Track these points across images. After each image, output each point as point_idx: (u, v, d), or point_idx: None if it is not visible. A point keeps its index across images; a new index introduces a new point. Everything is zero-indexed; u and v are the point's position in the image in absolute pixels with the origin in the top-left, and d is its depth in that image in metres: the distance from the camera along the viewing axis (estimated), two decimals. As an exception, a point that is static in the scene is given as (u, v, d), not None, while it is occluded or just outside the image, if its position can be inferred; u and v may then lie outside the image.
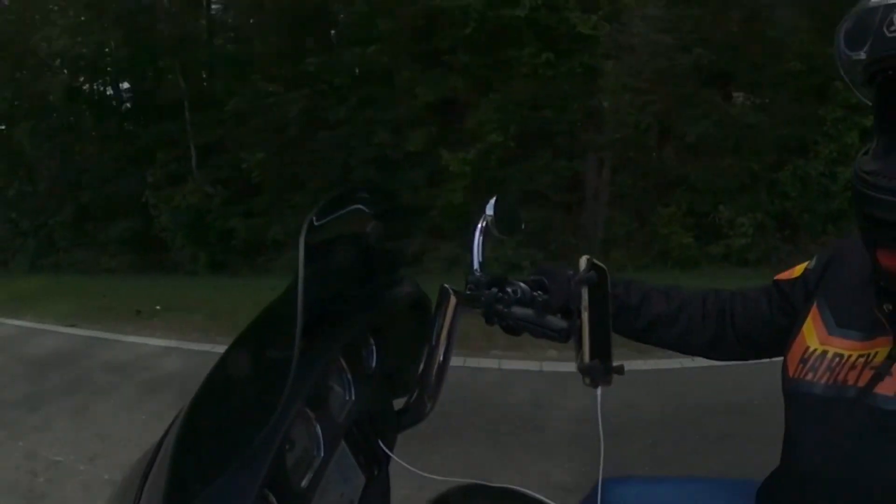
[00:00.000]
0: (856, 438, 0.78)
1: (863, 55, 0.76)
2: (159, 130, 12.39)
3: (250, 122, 11.04)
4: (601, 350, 0.90)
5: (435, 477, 0.96)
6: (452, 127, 10.07)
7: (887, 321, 0.79)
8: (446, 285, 1.08)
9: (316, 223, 0.76)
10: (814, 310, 0.91)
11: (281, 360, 0.67)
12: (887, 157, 0.73)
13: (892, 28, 0.69)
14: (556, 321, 1.01)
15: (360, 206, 0.91)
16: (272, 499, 0.68)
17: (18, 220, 14.67)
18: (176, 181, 12.01)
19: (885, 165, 0.73)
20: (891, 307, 0.79)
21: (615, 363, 0.91)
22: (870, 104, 0.79)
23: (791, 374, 0.89)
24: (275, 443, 0.67)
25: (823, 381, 0.84)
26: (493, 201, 1.11)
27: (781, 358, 0.98)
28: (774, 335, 1.00)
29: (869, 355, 0.80)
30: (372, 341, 1.01)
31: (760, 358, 1.07)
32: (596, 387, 0.90)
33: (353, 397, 0.92)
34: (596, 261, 0.99)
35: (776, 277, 1.04)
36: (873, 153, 0.76)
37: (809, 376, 0.85)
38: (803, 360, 0.88)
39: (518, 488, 0.97)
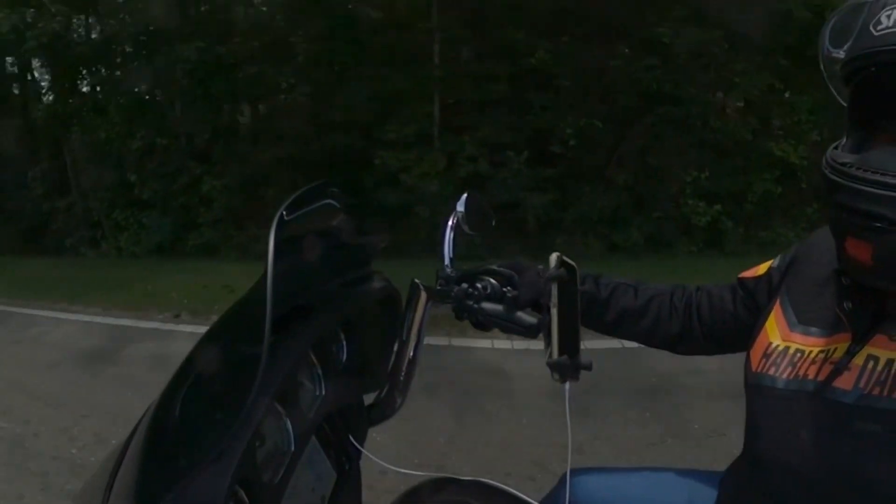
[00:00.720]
0: (815, 430, 0.80)
1: (842, 53, 0.78)
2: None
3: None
4: (570, 346, 0.91)
5: (406, 471, 0.96)
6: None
7: (847, 319, 0.81)
8: (417, 280, 1.08)
9: (286, 217, 0.76)
10: (777, 307, 0.94)
11: (250, 356, 0.66)
12: (861, 150, 0.75)
13: (880, 27, 0.71)
14: (526, 317, 1.02)
15: (330, 201, 0.90)
16: (243, 495, 0.67)
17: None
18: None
19: (860, 158, 0.73)
20: (851, 305, 0.81)
21: (583, 359, 0.93)
22: (844, 103, 0.80)
23: (754, 368, 0.91)
24: (245, 438, 0.66)
25: (785, 375, 0.86)
26: (464, 198, 1.12)
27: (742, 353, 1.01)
28: (738, 331, 1.02)
29: (828, 351, 0.82)
30: (342, 336, 1.01)
31: (724, 353, 1.10)
32: (564, 382, 0.91)
33: (324, 392, 0.92)
34: (566, 258, 1.00)
35: (741, 275, 1.07)
36: (844, 147, 0.77)
37: (772, 371, 0.88)
38: (766, 355, 0.90)
39: (487, 481, 0.98)
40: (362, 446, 0.99)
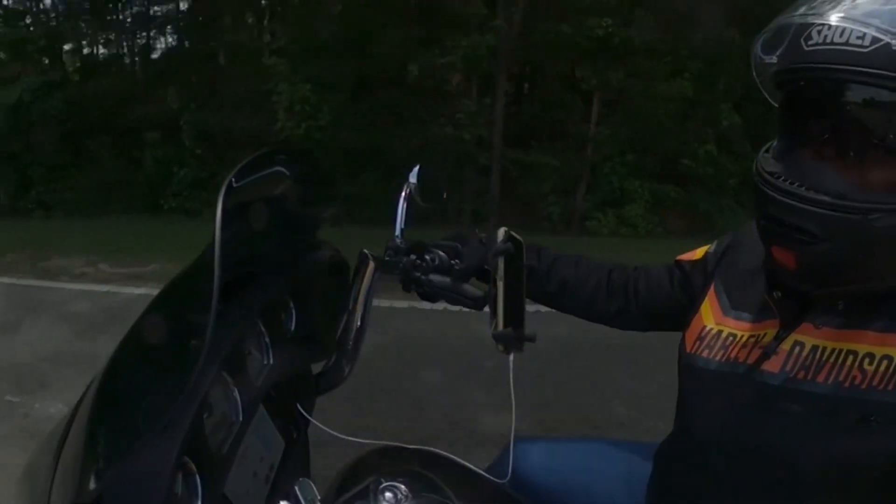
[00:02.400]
0: (744, 409, 0.84)
1: (775, 59, 0.80)
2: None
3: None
4: (514, 319, 0.93)
5: (354, 440, 0.97)
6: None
7: (775, 307, 0.85)
8: (366, 251, 1.08)
9: (235, 185, 0.74)
10: (711, 291, 0.98)
11: (197, 324, 0.65)
12: (787, 159, 0.77)
13: (811, 42, 0.71)
14: (472, 290, 1.04)
15: (279, 169, 0.89)
16: (191, 465, 0.67)
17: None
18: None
19: (785, 168, 0.76)
20: (779, 294, 0.85)
21: (527, 332, 0.95)
22: (775, 104, 0.83)
23: (689, 349, 0.95)
24: (192, 408, 0.66)
25: (718, 357, 0.90)
26: (416, 169, 1.12)
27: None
28: (674, 310, 1.07)
29: (758, 336, 0.87)
30: (291, 304, 1.00)
31: (658, 329, 1.15)
32: (508, 353, 0.93)
33: (272, 361, 0.91)
34: (513, 233, 1.02)
35: (678, 258, 1.11)
36: (774, 153, 0.80)
37: (705, 353, 0.92)
38: (700, 338, 0.94)
39: (433, 449, 0.99)
40: (311, 415, 0.99)
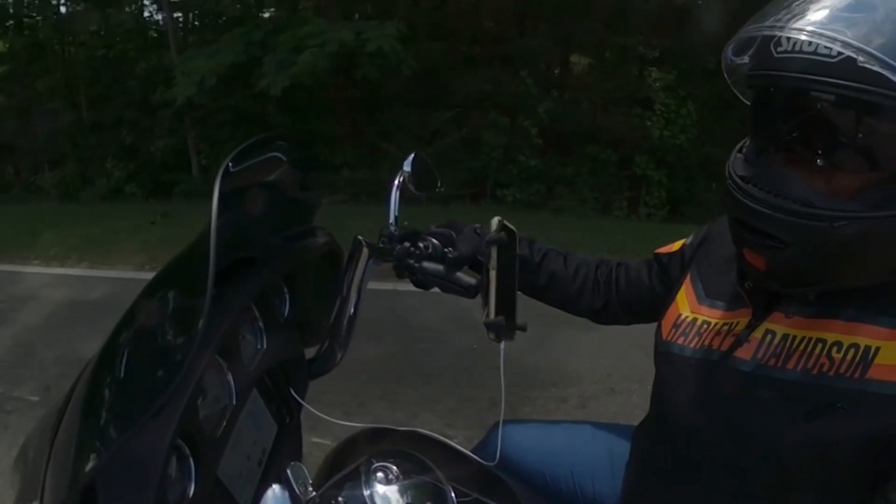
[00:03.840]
0: (718, 395, 0.86)
1: (746, 59, 0.81)
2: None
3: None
4: (506, 307, 0.94)
5: (345, 423, 0.98)
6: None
7: (747, 297, 0.87)
8: (360, 237, 1.08)
9: (232, 169, 0.74)
10: (687, 281, 1.00)
11: (192, 308, 0.65)
12: (758, 161, 0.78)
13: (780, 49, 0.72)
14: (465, 278, 1.05)
15: (276, 154, 0.89)
16: (185, 449, 0.67)
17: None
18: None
19: (757, 172, 0.77)
20: (751, 285, 0.87)
21: (518, 321, 0.96)
22: (747, 102, 0.83)
23: (665, 336, 0.97)
24: (186, 392, 0.66)
25: (692, 344, 0.92)
26: (411, 158, 1.12)
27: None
28: (653, 303, 1.09)
29: (732, 324, 0.89)
30: (285, 290, 1.00)
31: (639, 322, 1.18)
32: (500, 341, 0.94)
33: (265, 346, 0.92)
34: (507, 223, 1.02)
35: (657, 251, 1.14)
36: (746, 154, 0.81)
37: (681, 340, 0.94)
38: (676, 325, 0.96)
39: (422, 431, 1.00)
40: (303, 399, 1.00)
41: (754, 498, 0.84)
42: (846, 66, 0.67)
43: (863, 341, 0.77)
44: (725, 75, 0.86)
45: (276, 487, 0.77)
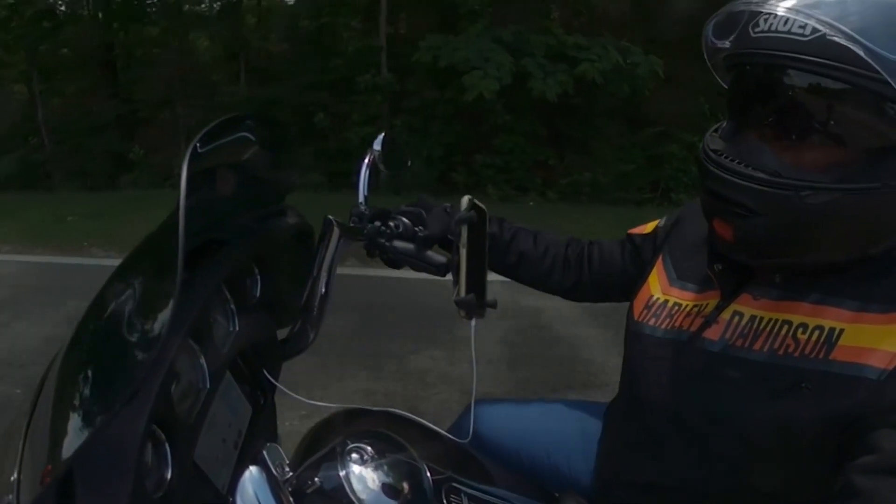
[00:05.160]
0: (686, 374, 0.89)
1: (727, 44, 0.84)
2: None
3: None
4: (476, 285, 0.95)
5: (319, 403, 0.98)
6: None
7: (716, 279, 0.90)
8: (330, 216, 1.07)
9: (200, 150, 0.72)
10: (659, 262, 1.03)
11: (163, 292, 0.64)
12: (732, 140, 0.81)
13: (757, 29, 0.76)
14: (436, 256, 1.05)
15: (245, 134, 0.87)
16: (160, 434, 0.66)
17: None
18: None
19: (729, 146, 0.80)
20: (720, 267, 0.90)
21: (488, 298, 0.97)
22: (726, 87, 0.86)
23: (636, 317, 1.00)
24: (159, 377, 0.65)
25: (663, 325, 0.95)
26: (381, 137, 1.12)
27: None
28: (624, 282, 1.12)
29: (701, 305, 0.91)
30: (256, 271, 0.99)
31: (610, 301, 1.21)
32: (470, 319, 0.95)
33: (237, 328, 0.91)
34: (477, 202, 1.03)
35: (630, 231, 1.16)
36: (722, 133, 0.84)
37: (652, 321, 0.97)
38: (647, 307, 0.99)
39: (397, 411, 1.01)
40: (277, 380, 1.00)
41: (719, 473, 0.87)
42: (818, 44, 0.70)
43: (827, 323, 0.79)
44: (706, 57, 0.88)
45: (252, 469, 0.77)
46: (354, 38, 10.09)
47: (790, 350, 0.80)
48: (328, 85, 9.96)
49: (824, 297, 0.81)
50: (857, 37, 0.68)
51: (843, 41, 0.68)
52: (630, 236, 1.15)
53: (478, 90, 7.99)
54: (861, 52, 0.68)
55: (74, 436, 0.54)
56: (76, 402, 0.57)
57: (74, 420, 0.55)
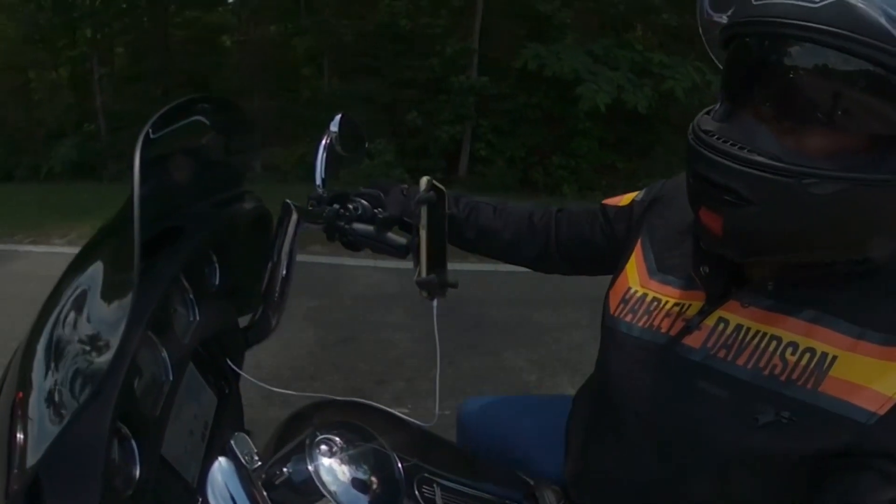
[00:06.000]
0: (661, 381, 0.83)
1: (724, 18, 0.76)
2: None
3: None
4: (437, 265, 0.95)
5: (284, 391, 0.97)
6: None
7: (702, 283, 0.82)
8: (288, 201, 1.05)
9: (152, 136, 0.70)
10: (637, 249, 0.95)
11: (120, 284, 0.62)
12: (726, 122, 0.72)
13: None
14: (396, 238, 1.05)
15: (199, 118, 0.84)
16: (126, 431, 0.65)
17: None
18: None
19: (721, 128, 0.71)
20: (707, 270, 0.81)
21: (450, 279, 0.97)
22: (721, 67, 0.77)
23: (612, 311, 0.93)
24: (121, 372, 0.63)
25: (640, 323, 0.88)
26: (338, 118, 1.10)
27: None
28: (594, 255, 1.07)
29: (683, 305, 0.84)
30: (214, 258, 0.97)
31: (579, 274, 1.16)
32: (432, 299, 0.95)
33: (198, 317, 0.89)
34: (435, 182, 1.02)
35: (604, 202, 1.08)
36: (714, 114, 0.74)
37: (629, 318, 0.90)
38: (624, 301, 0.92)
39: (364, 401, 1.01)
40: (240, 369, 0.98)
41: (688, 480, 0.82)
42: (832, 10, 0.62)
43: (820, 347, 0.72)
44: (701, 32, 0.81)
45: (221, 460, 0.76)
46: (449, 39, 10.24)
47: (776, 371, 0.73)
48: (420, 84, 10.14)
49: (820, 316, 0.73)
50: (880, 2, 0.59)
51: (863, 5, 0.60)
52: (604, 207, 1.07)
53: (591, 101, 8.61)
54: (884, 21, 0.59)
55: (38, 440, 0.52)
56: (37, 405, 0.55)
57: (36, 423, 0.53)
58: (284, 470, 0.73)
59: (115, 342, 0.58)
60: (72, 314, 0.64)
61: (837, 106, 0.64)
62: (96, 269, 0.70)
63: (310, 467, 0.72)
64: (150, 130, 0.69)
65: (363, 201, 1.07)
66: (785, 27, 0.64)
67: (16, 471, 0.50)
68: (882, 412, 0.67)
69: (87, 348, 0.62)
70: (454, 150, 10.04)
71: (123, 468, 0.64)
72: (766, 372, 0.74)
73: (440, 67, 9.99)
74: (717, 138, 0.70)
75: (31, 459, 0.50)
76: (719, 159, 0.68)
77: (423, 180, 1.03)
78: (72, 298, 0.64)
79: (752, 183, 0.66)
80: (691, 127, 0.75)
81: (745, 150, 0.67)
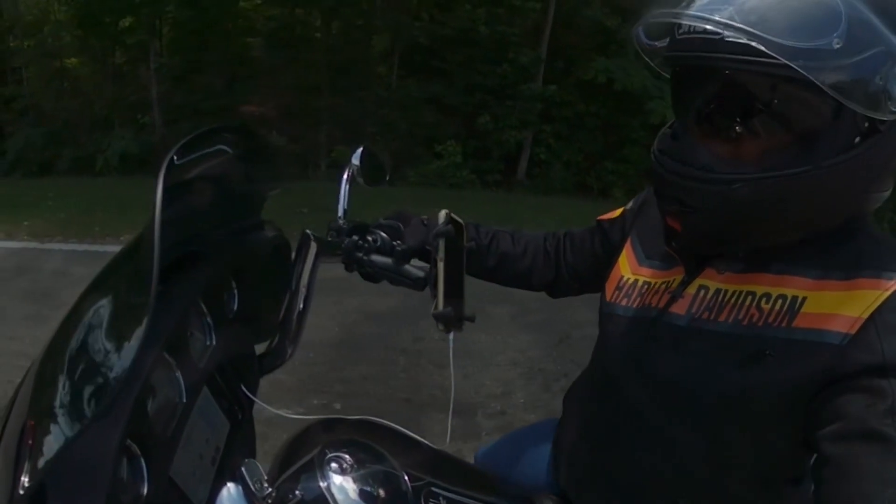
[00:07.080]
0: (654, 348, 0.90)
1: (658, 45, 0.85)
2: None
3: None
4: (454, 299, 0.95)
5: (297, 416, 0.97)
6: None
7: (679, 257, 0.92)
8: (308, 231, 1.07)
9: (176, 162, 0.72)
10: (628, 244, 1.05)
11: (138, 306, 0.63)
12: (678, 140, 0.83)
13: (680, 31, 0.78)
14: (414, 271, 1.05)
15: (222, 147, 0.86)
16: (136, 449, 0.65)
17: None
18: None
19: (673, 146, 0.83)
20: (675, 244, 0.91)
21: (467, 312, 0.97)
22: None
23: (608, 298, 1.02)
24: (134, 391, 0.64)
25: (634, 305, 0.97)
26: (359, 151, 1.12)
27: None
28: (598, 270, 1.12)
29: (668, 282, 0.93)
30: (233, 285, 0.98)
31: (587, 292, 1.20)
32: (449, 332, 0.95)
33: (214, 342, 0.90)
34: (454, 215, 1.03)
35: (599, 218, 1.17)
36: (672, 130, 0.85)
37: (624, 301, 0.98)
38: (619, 288, 1.00)
39: (374, 419, 1.01)
40: (255, 395, 0.99)
41: (686, 456, 0.89)
42: (724, 41, 0.73)
43: (790, 292, 0.81)
44: (644, 57, 0.90)
45: (230, 486, 0.76)
46: (522, 48, 10.83)
47: (754, 319, 0.81)
48: (489, 89, 10.68)
49: (787, 267, 0.82)
50: (751, 30, 0.70)
51: (738, 38, 0.71)
52: (599, 222, 1.17)
53: (662, 115, 8.83)
54: (756, 44, 0.70)
55: (46, 451, 0.53)
56: (49, 417, 0.56)
57: (47, 435, 0.54)
58: (296, 490, 0.73)
59: (128, 361, 0.59)
60: (88, 333, 0.65)
61: (752, 115, 0.76)
62: (116, 289, 0.71)
63: (322, 485, 0.72)
64: (174, 156, 0.72)
65: (382, 233, 1.08)
66: (702, 59, 0.76)
67: (22, 479, 0.51)
68: (853, 331, 0.74)
69: (101, 367, 0.63)
70: (513, 153, 10.45)
71: (131, 486, 0.64)
72: (745, 322, 0.82)
73: (512, 74, 10.56)
74: (667, 157, 0.82)
75: (38, 469, 0.51)
76: (668, 176, 0.81)
77: (442, 213, 1.04)
78: (89, 318, 0.66)
79: (692, 192, 0.79)
80: (654, 144, 0.86)
81: (686, 166, 0.80)
